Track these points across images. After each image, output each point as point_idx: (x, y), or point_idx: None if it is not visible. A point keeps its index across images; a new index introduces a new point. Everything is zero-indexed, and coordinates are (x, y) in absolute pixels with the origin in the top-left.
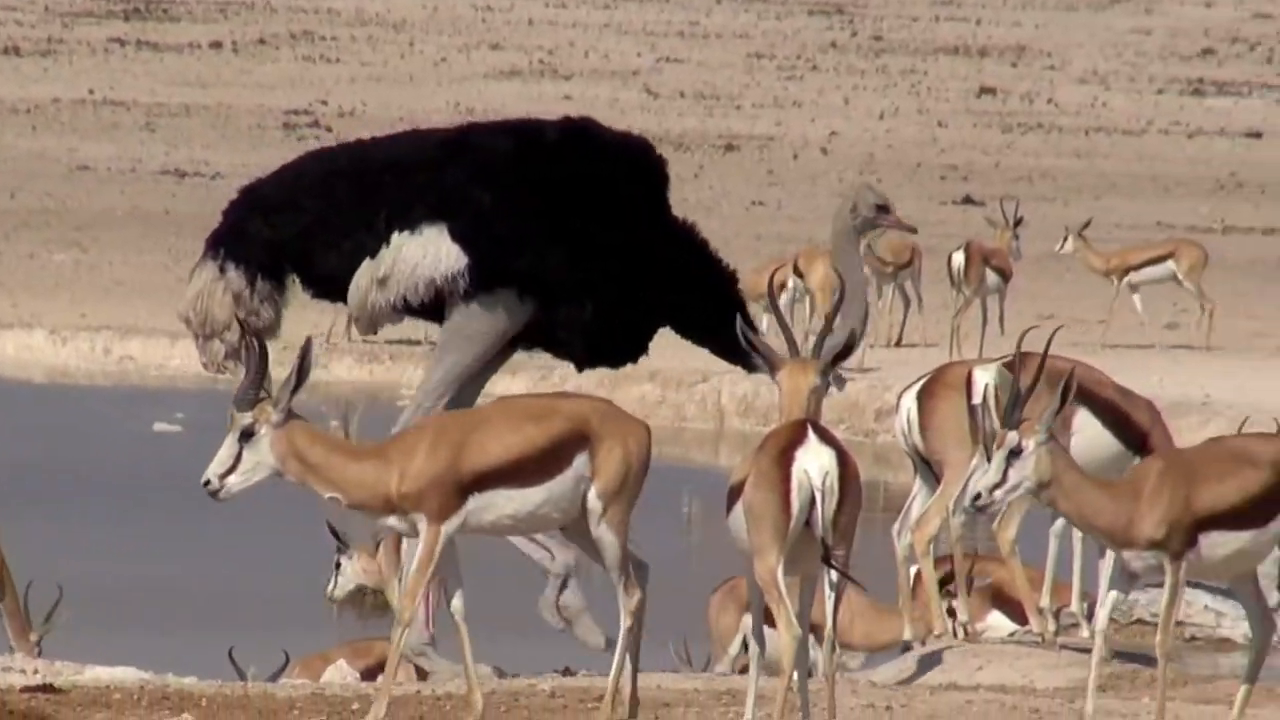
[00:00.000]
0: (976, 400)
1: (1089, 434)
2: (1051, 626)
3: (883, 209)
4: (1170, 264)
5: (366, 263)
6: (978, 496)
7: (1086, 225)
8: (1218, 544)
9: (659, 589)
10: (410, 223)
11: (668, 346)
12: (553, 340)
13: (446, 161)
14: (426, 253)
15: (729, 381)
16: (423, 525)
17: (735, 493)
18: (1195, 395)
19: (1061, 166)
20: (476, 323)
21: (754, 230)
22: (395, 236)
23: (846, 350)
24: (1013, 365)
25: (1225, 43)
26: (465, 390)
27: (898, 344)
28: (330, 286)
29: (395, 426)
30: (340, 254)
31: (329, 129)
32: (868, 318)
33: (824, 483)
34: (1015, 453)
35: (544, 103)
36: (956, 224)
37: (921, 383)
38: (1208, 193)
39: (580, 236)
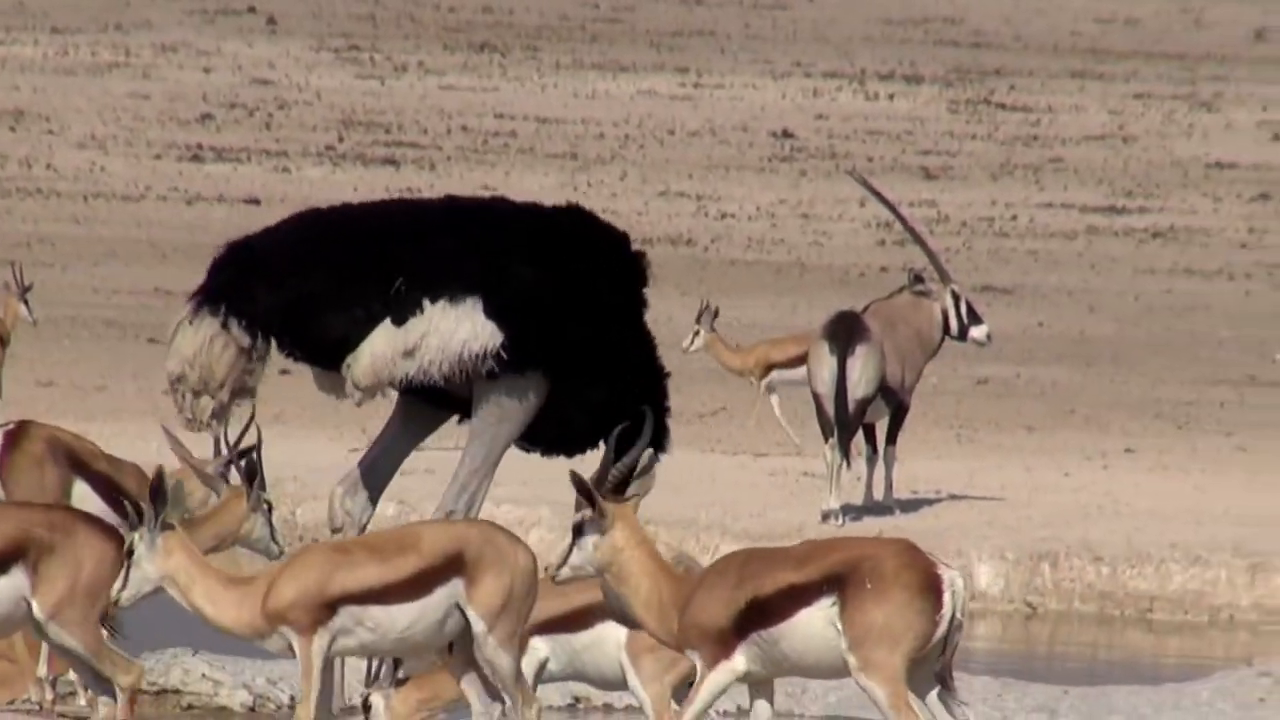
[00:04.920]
0: None
1: (87, 505)
2: (49, 695)
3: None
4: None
5: (387, 330)
6: None
7: None
8: None
9: None
10: (444, 292)
11: None
12: (549, 420)
13: (477, 232)
14: (461, 326)
15: None
16: None
17: None
18: None
19: (60, 232)
20: (509, 402)
21: None
22: (428, 306)
23: None
24: (14, 434)
25: (224, 108)
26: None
27: None
28: (327, 353)
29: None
30: (351, 320)
31: None
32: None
33: None
34: None
35: None
36: None
37: None
38: (206, 258)
39: (597, 322)
